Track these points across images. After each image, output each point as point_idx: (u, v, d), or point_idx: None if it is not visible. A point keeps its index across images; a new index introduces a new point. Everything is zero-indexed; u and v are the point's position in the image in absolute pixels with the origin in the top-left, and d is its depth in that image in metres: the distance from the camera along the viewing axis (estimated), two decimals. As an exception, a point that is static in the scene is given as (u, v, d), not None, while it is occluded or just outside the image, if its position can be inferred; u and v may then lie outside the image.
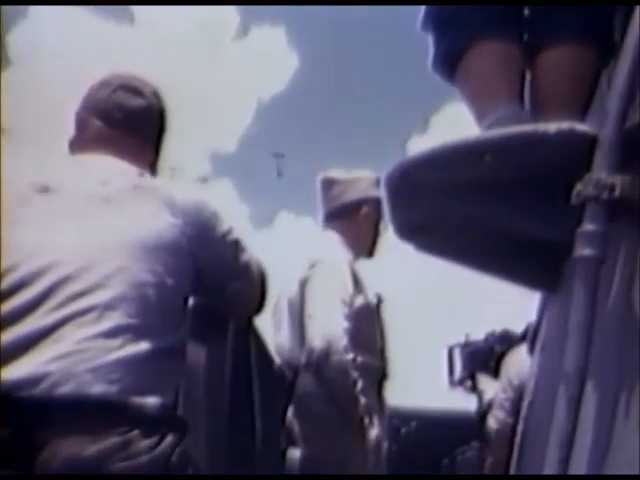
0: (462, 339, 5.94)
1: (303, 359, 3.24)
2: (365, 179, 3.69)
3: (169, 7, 17.09)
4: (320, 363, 3.19)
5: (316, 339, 3.20)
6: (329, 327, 3.21)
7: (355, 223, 3.63)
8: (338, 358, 3.17)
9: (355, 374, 3.22)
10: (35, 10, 15.99)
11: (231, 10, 18.19)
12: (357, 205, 3.65)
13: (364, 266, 3.68)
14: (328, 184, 3.70)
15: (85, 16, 16.07)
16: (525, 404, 1.77)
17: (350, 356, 3.20)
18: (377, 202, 3.62)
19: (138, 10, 17.51)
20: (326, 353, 3.17)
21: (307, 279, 3.39)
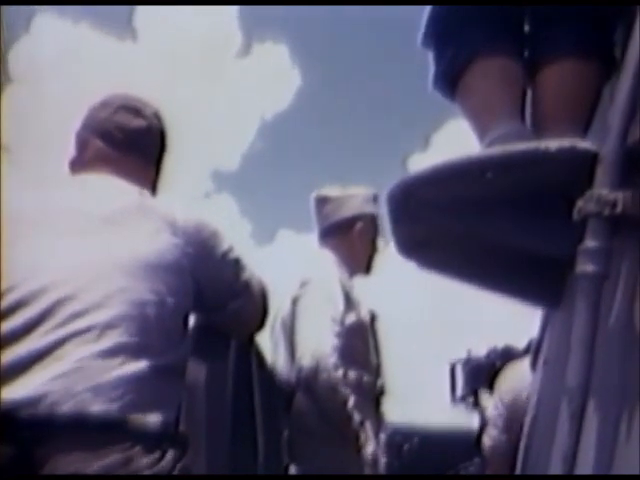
0: (465, 355, 5.93)
1: (293, 377, 3.24)
2: (359, 195, 3.69)
3: (171, 24, 17.09)
4: (309, 381, 3.19)
5: (305, 357, 3.20)
6: (318, 345, 3.21)
7: (349, 240, 3.63)
8: (327, 376, 3.17)
9: (346, 391, 3.22)
10: (36, 26, 16.02)
11: (234, 27, 18.21)
12: (351, 222, 3.64)
13: (363, 283, 3.68)
14: (322, 202, 3.70)
15: (87, 33, 16.09)
16: (528, 419, 1.77)
17: (340, 373, 3.20)
18: (372, 218, 3.63)
19: (140, 27, 17.53)
20: (315, 371, 3.17)
21: (298, 298, 3.40)
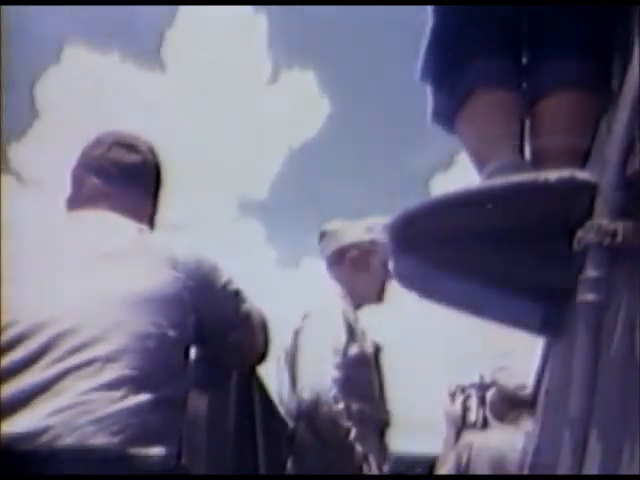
0: (477, 380, 5.88)
1: (294, 411, 3.24)
2: (361, 225, 3.72)
3: (200, 54, 17.17)
4: (310, 414, 3.18)
5: (305, 390, 3.20)
6: (318, 378, 3.21)
7: (345, 270, 3.65)
8: (327, 409, 3.16)
9: (348, 423, 3.21)
10: (65, 58, 16.06)
11: (262, 56, 18.26)
12: (342, 252, 3.67)
13: (371, 311, 3.68)
14: (321, 237, 3.77)
15: (116, 65, 16.14)
16: (531, 450, 1.76)
17: (340, 406, 3.19)
18: (373, 245, 3.64)
19: (169, 58, 17.59)
20: (315, 404, 3.16)
21: (300, 330, 3.40)
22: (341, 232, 3.71)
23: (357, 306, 3.58)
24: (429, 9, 1.94)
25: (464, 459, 4.18)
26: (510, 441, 3.96)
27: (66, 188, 2.46)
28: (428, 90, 1.96)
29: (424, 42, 1.94)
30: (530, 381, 4.30)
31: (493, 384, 4.67)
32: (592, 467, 1.38)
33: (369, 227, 3.69)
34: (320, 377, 3.20)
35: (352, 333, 3.40)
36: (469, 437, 4.45)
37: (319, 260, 3.78)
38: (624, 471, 1.39)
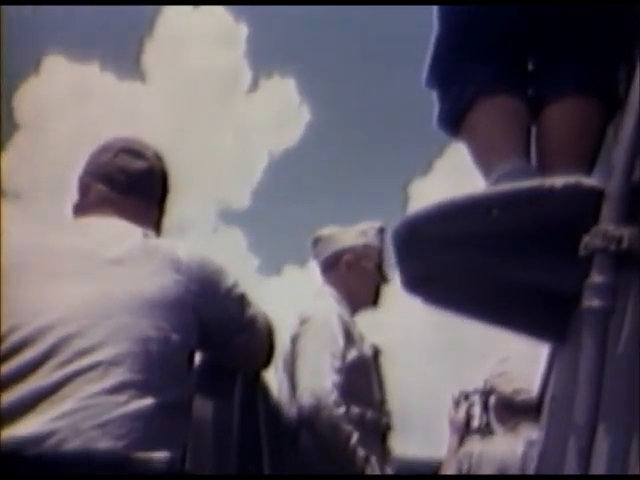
0: (478, 386, 5.87)
1: (295, 416, 3.23)
2: (353, 230, 3.73)
3: (180, 63, 17.18)
4: (311, 420, 3.18)
5: (305, 396, 3.20)
6: (318, 383, 3.20)
7: (340, 274, 3.65)
8: (328, 413, 3.15)
9: (348, 427, 3.20)
10: (45, 69, 16.07)
11: (243, 64, 18.25)
12: (337, 256, 3.67)
13: (369, 315, 3.68)
14: (315, 242, 3.76)
15: (96, 75, 16.13)
16: (536, 456, 1.76)
17: (341, 410, 3.19)
18: (365, 249, 3.65)
19: (149, 68, 17.57)
20: (316, 409, 3.16)
21: (297, 336, 3.40)
22: (335, 237, 3.72)
23: (353, 310, 3.59)
24: (434, 14, 1.94)
25: (464, 468, 4.18)
26: (510, 448, 3.97)
27: (72, 195, 2.46)
28: (434, 96, 1.96)
29: (430, 49, 1.94)
30: (527, 385, 4.32)
31: (492, 390, 4.66)
32: (598, 472, 1.38)
33: (363, 231, 3.70)
34: (320, 381, 3.20)
35: (350, 337, 3.40)
36: (469, 446, 4.44)
37: (302, 268, 3.79)
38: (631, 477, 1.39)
